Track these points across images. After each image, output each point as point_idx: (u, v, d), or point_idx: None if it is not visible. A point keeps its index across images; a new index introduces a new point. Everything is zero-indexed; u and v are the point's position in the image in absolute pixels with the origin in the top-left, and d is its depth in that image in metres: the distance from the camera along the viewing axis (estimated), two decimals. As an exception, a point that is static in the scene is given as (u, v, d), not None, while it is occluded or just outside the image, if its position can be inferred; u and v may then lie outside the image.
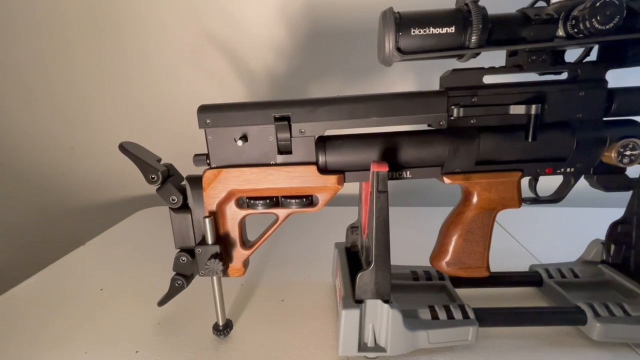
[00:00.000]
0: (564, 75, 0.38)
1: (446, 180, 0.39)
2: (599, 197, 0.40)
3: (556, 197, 0.41)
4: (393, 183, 0.39)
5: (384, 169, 0.34)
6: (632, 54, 0.35)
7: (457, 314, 0.39)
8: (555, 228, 0.72)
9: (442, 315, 0.39)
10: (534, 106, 0.35)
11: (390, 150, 0.38)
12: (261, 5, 0.82)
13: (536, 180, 0.41)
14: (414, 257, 0.48)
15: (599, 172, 0.39)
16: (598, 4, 0.31)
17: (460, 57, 0.36)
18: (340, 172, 0.39)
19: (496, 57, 0.38)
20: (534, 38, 0.34)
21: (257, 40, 0.84)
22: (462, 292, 0.47)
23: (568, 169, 0.39)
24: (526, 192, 0.41)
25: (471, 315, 0.39)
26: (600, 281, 0.47)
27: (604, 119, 0.37)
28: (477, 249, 0.40)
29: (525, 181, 0.41)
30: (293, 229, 0.74)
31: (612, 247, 0.49)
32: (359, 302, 0.37)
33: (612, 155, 0.37)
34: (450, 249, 0.41)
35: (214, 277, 0.41)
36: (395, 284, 0.47)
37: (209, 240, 0.39)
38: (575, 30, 0.32)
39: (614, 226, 0.48)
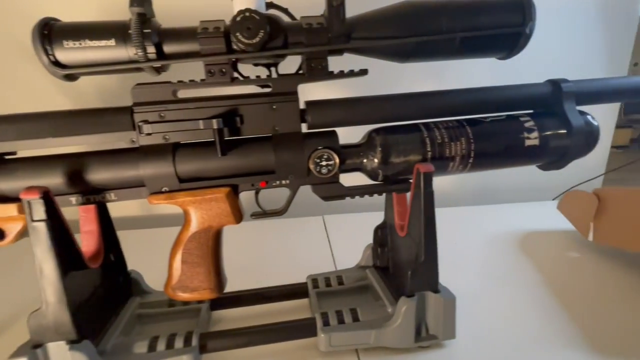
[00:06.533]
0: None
1: (152, 200, 0.36)
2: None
3: (280, 210, 0.40)
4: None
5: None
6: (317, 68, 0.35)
7: (179, 343, 0.37)
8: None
9: (160, 346, 0.37)
10: (214, 121, 0.34)
11: (78, 172, 0.35)
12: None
13: (257, 193, 0.40)
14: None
15: (314, 182, 0.39)
16: (238, 18, 0.31)
17: (143, 70, 0.34)
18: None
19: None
20: (206, 52, 0.33)
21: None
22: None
23: (283, 182, 0.38)
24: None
25: (194, 342, 0.37)
26: (362, 286, 0.48)
27: (306, 131, 0.38)
28: (199, 269, 0.38)
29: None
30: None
31: (379, 250, 0.50)
32: (37, 346, 0.33)
33: (310, 166, 0.37)
34: (174, 272, 0.38)
35: None
36: (148, 314, 0.44)
37: None
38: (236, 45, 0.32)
39: (376, 230, 0.50)
